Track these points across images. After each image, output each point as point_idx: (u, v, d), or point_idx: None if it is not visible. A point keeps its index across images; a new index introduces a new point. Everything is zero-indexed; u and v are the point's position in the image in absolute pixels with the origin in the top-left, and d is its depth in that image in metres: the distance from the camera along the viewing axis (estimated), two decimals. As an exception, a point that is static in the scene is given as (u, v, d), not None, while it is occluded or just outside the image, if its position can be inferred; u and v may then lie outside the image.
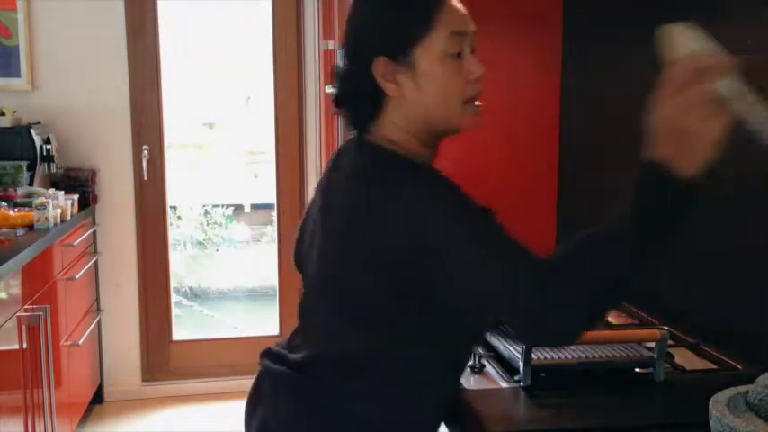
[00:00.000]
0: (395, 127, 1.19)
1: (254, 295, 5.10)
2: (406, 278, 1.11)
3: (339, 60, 1.23)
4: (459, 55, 1.17)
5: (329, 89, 1.73)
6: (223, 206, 5.46)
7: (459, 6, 1.20)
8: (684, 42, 0.98)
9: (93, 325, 3.47)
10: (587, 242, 1.05)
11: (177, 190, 4.40)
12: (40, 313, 2.58)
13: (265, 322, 4.34)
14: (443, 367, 1.24)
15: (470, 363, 1.53)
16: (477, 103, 1.22)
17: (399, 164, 1.16)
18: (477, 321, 1.21)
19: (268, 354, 1.33)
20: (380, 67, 1.15)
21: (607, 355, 1.50)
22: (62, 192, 3.09)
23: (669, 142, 1.00)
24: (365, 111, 1.20)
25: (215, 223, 5.47)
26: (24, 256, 2.49)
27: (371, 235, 1.12)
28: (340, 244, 1.18)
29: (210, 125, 5.33)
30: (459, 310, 1.13)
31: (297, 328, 1.36)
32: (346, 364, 1.20)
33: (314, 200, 1.31)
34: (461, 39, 1.18)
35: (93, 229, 3.56)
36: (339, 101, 1.24)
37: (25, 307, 2.53)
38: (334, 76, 1.24)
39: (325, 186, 1.28)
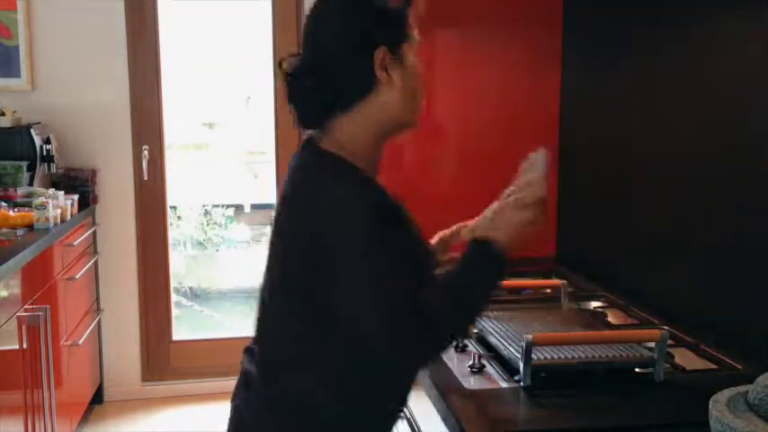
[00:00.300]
0: (356, 127, 1.26)
1: (253, 295, 5.08)
2: (313, 266, 1.20)
3: (306, 56, 1.27)
4: None
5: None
6: (223, 206, 5.46)
7: None
8: (538, 163, 1.37)
9: (93, 325, 3.47)
10: (449, 283, 1.24)
11: (177, 190, 4.40)
12: (40, 313, 2.58)
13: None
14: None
15: (470, 363, 1.54)
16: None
17: (334, 168, 1.24)
18: (348, 329, 1.23)
19: (246, 350, 1.40)
20: (381, 54, 1.22)
21: (607, 355, 1.50)
22: (62, 192, 3.09)
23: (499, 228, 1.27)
24: (330, 105, 1.26)
25: (215, 223, 5.47)
26: (24, 256, 2.49)
27: (293, 225, 1.24)
28: (277, 235, 1.29)
29: (210, 125, 5.33)
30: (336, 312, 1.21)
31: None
32: (292, 360, 1.28)
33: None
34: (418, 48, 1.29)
35: (93, 229, 3.56)
36: (298, 95, 1.29)
37: (25, 307, 2.53)
38: (295, 70, 1.28)
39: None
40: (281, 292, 1.29)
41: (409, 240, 1.29)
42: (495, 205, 1.34)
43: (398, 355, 1.20)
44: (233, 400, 1.37)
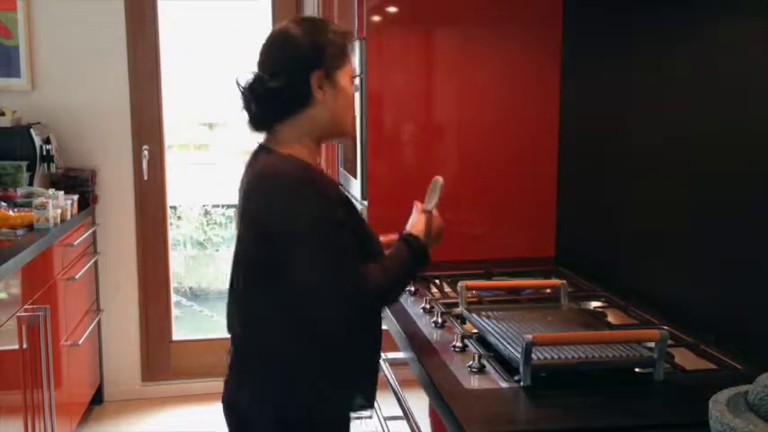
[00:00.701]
0: (294, 130, 1.58)
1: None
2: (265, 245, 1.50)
3: (260, 74, 1.59)
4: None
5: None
6: (223, 206, 5.46)
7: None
8: (436, 188, 1.72)
9: (92, 325, 3.47)
10: (390, 273, 1.55)
11: (177, 190, 4.40)
12: (40, 313, 2.59)
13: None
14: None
15: (470, 363, 1.54)
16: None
17: (291, 171, 1.52)
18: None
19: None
20: (318, 76, 1.56)
21: (607, 355, 1.50)
22: (62, 192, 3.09)
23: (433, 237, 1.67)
24: (283, 109, 1.58)
25: (215, 223, 5.46)
26: (24, 256, 2.49)
27: (249, 212, 1.55)
28: (240, 223, 1.59)
29: (210, 125, 5.33)
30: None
31: None
32: (258, 323, 1.56)
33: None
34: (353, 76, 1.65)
35: (93, 229, 3.56)
36: (251, 103, 1.59)
37: (25, 307, 2.53)
38: (250, 85, 1.59)
39: (241, 186, 1.64)
40: (246, 270, 1.57)
41: (355, 221, 1.56)
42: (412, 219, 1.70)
43: (328, 311, 1.46)
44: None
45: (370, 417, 1.98)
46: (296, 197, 1.47)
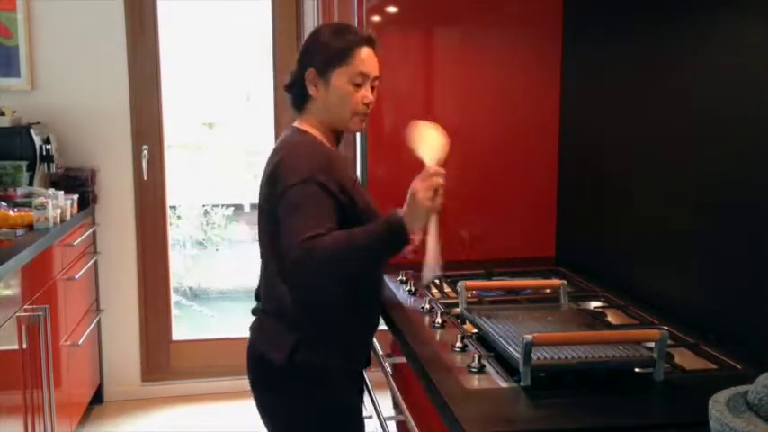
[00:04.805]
0: (313, 117, 1.83)
1: (253, 295, 5.08)
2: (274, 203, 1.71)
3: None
4: (359, 85, 1.78)
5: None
6: (223, 206, 5.46)
7: (371, 56, 1.80)
8: (426, 134, 1.72)
9: (92, 325, 3.47)
10: (343, 239, 1.60)
11: (177, 190, 4.40)
12: (40, 313, 2.58)
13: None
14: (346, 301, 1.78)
15: (470, 363, 1.54)
16: (364, 114, 1.82)
17: (299, 141, 1.79)
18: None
19: (257, 295, 1.95)
20: (310, 74, 1.79)
21: (607, 355, 1.49)
22: (62, 192, 3.09)
23: (409, 207, 1.58)
24: (299, 99, 1.85)
25: (215, 223, 5.47)
26: (24, 256, 2.49)
27: (265, 183, 1.76)
28: (261, 197, 1.80)
29: (210, 125, 5.34)
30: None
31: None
32: (275, 299, 1.79)
33: None
34: (364, 77, 1.78)
35: (92, 228, 3.56)
36: (287, 88, 1.87)
37: (25, 307, 2.53)
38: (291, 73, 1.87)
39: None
40: (265, 238, 1.81)
41: (349, 198, 1.71)
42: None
43: (291, 267, 1.63)
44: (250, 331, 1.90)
45: (371, 417, 1.98)
46: (296, 155, 1.72)
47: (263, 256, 1.85)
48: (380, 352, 2.02)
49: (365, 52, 1.78)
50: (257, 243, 1.88)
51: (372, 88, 1.81)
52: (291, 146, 1.77)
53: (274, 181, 1.70)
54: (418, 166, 1.79)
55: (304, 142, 1.78)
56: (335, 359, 1.78)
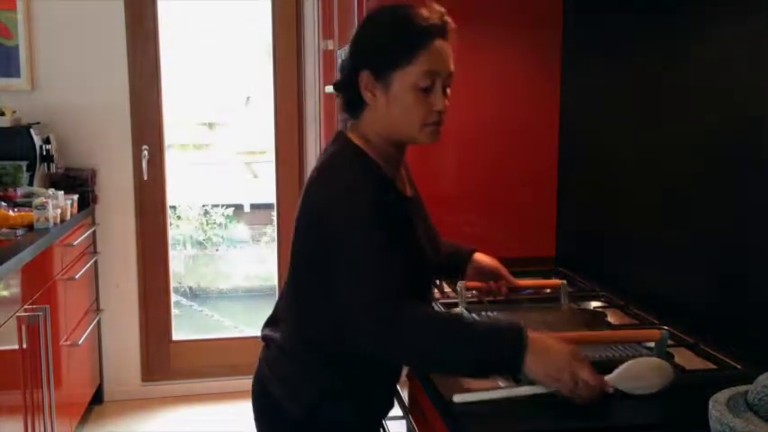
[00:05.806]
0: (370, 127, 1.46)
1: (253, 295, 5.10)
2: (314, 241, 1.41)
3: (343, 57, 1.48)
4: (429, 88, 1.40)
5: (329, 89, 1.82)
6: (223, 206, 5.46)
7: (444, 49, 1.41)
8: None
9: (92, 325, 3.47)
10: (447, 323, 1.36)
11: (177, 190, 4.40)
12: (40, 313, 2.58)
13: (265, 322, 4.32)
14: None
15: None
16: (436, 123, 1.44)
17: (351, 158, 1.45)
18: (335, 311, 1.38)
19: (267, 323, 1.63)
20: (364, 78, 1.42)
21: (607, 355, 1.49)
22: (62, 192, 3.09)
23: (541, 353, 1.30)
24: (353, 105, 1.48)
25: (215, 223, 5.47)
26: (24, 256, 2.49)
27: (306, 208, 1.44)
28: (298, 218, 1.48)
29: (210, 125, 5.34)
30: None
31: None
32: (303, 338, 1.50)
33: None
34: (434, 76, 1.40)
35: (92, 228, 3.56)
36: (338, 90, 1.52)
37: (25, 307, 2.53)
38: (341, 67, 1.51)
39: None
40: (295, 263, 1.51)
41: (403, 238, 1.42)
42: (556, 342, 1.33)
43: (355, 334, 1.34)
44: (259, 359, 1.60)
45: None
46: (345, 198, 1.38)
47: (293, 276, 1.53)
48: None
49: (436, 45, 1.39)
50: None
51: (445, 88, 1.42)
52: (341, 171, 1.43)
53: (320, 214, 1.40)
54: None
55: (359, 165, 1.43)
56: (362, 414, 1.56)
